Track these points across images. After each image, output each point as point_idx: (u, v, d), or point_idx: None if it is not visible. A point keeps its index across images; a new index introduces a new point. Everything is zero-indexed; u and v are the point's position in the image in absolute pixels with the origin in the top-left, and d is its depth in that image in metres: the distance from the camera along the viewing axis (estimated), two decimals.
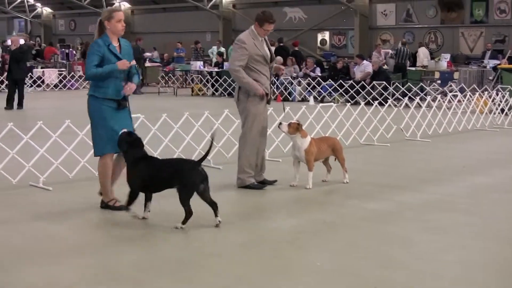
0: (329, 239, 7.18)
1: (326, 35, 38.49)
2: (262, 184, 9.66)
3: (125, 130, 7.89)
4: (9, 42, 41.63)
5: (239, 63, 9.30)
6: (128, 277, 5.93)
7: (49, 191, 9.29)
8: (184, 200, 7.31)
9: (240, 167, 9.56)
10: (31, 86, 29.95)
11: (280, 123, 9.70)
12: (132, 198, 7.63)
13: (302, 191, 9.46)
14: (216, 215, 7.50)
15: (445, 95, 19.79)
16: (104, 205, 8.25)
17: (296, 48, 29.61)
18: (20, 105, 21.61)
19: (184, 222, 7.35)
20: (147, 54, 34.95)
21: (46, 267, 6.17)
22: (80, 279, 5.86)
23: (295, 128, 9.57)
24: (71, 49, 36.79)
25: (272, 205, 8.84)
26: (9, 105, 21.52)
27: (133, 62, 8.30)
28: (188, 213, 7.33)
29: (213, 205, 7.51)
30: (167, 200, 7.92)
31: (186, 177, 7.37)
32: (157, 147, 10.99)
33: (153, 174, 7.55)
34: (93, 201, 8.40)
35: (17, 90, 21.83)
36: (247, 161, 9.49)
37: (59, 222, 7.74)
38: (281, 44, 29.68)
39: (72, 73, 32.55)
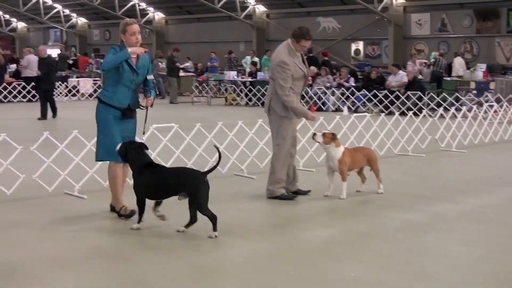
0: (363, 250, 7.13)
1: (360, 45, 38.36)
2: (295, 194, 9.63)
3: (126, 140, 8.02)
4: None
5: (287, 85, 9.21)
6: (157, 285, 5.94)
7: (83, 199, 9.35)
8: (204, 209, 7.40)
9: (271, 179, 9.52)
10: (66, 95, 30.23)
11: (315, 134, 9.67)
12: (141, 207, 7.71)
13: (336, 201, 9.42)
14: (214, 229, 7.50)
15: (481, 105, 19.60)
16: (114, 210, 8.41)
17: (326, 58, 29.61)
18: (54, 114, 21.72)
19: (215, 229, 7.40)
20: (186, 64, 35.03)
21: (76, 274, 6.21)
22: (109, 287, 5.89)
23: (330, 138, 9.54)
24: None
25: (306, 215, 8.80)
26: (42, 115, 21.51)
27: (150, 77, 8.36)
28: (213, 217, 7.42)
29: (213, 219, 7.50)
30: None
31: (197, 184, 7.49)
32: (191, 156, 11.03)
33: (159, 182, 7.61)
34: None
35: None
36: (279, 172, 9.45)
37: (91, 229, 7.78)
38: (310, 55, 29.62)
39: None
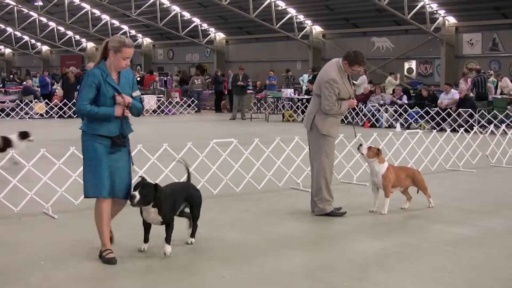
0: (414, 263, 7.06)
1: (413, 64, 38.11)
2: (338, 209, 9.44)
3: (138, 180, 6.99)
4: None
5: (332, 100, 9.07)
6: None
7: None
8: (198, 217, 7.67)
9: (319, 197, 9.29)
10: None
11: (361, 145, 9.58)
12: (171, 231, 7.15)
13: (384, 216, 9.33)
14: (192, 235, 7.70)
15: None
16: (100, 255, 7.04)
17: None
18: None
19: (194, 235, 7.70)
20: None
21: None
22: None
23: (374, 153, 9.43)
24: (169, 77, 37.49)
25: (357, 229, 8.71)
26: None
27: (136, 93, 7.04)
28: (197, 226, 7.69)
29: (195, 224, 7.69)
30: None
31: (199, 197, 7.69)
32: (249, 170, 11.07)
33: (178, 199, 7.32)
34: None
35: None
36: (326, 188, 9.27)
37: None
38: (315, 73, 30.11)
39: (170, 99, 33.23)
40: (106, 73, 6.78)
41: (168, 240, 7.08)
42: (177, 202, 7.26)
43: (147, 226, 7.23)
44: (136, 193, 6.74)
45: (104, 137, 6.78)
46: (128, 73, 6.99)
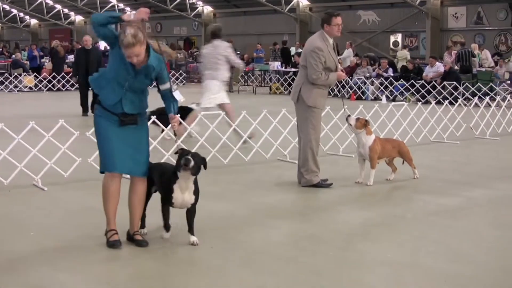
0: (399, 232, 7.10)
1: (399, 37, 37.99)
2: (325, 180, 9.42)
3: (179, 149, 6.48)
4: (100, 44, 42.50)
5: (319, 69, 8.98)
6: (206, 263, 5.98)
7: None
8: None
9: (306, 168, 9.25)
10: None
11: (349, 115, 9.55)
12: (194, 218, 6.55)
13: (371, 187, 9.35)
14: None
15: None
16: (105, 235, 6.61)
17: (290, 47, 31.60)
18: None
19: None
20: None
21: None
22: None
23: (362, 124, 9.41)
24: None
25: (343, 199, 8.74)
26: (84, 111, 19.10)
27: (164, 87, 6.50)
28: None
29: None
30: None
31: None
32: (236, 142, 11.07)
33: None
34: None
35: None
36: (313, 160, 9.22)
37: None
38: (285, 46, 31.92)
39: None
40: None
41: (192, 229, 6.47)
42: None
43: (167, 213, 6.51)
44: (191, 158, 6.14)
45: (110, 112, 6.31)
46: (152, 66, 6.28)
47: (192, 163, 6.12)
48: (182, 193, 6.30)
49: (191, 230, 6.47)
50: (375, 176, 9.42)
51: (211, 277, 5.64)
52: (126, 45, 6.07)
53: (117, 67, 6.27)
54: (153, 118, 10.19)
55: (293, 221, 7.56)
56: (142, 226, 6.72)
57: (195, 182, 6.36)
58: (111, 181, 6.43)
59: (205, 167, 6.35)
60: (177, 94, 6.13)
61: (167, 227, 6.58)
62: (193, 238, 6.46)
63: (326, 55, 9.04)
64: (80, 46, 24.73)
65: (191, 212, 6.45)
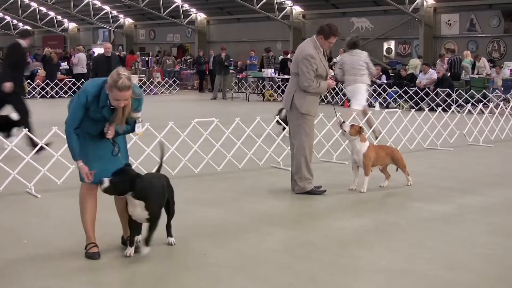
0: (393, 239, 7.08)
1: (392, 44, 38.04)
2: (318, 188, 9.40)
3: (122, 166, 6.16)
4: (94, 50, 42.33)
5: (310, 77, 8.98)
6: (202, 272, 5.96)
7: None
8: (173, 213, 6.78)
9: (299, 175, 9.22)
10: None
11: (343, 122, 9.56)
12: (153, 230, 6.29)
13: (364, 194, 9.34)
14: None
15: (508, 101, 19.39)
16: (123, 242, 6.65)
17: (288, 56, 31.21)
18: None
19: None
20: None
21: None
22: None
23: (356, 131, 9.41)
24: (150, 57, 37.34)
25: (337, 206, 8.73)
26: None
27: (136, 114, 6.25)
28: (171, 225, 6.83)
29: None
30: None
31: (172, 191, 6.77)
32: (230, 149, 11.05)
33: (164, 192, 6.50)
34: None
35: None
36: (306, 168, 9.20)
37: None
38: (285, 57, 31.76)
39: (152, 79, 33.08)
40: (104, 103, 6.03)
41: (147, 241, 6.22)
42: (164, 195, 6.44)
43: (134, 227, 6.31)
44: (106, 179, 5.93)
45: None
46: (134, 104, 6.15)
47: (105, 185, 5.91)
48: (134, 208, 6.13)
49: (146, 241, 6.22)
50: (368, 183, 9.41)
51: (205, 284, 5.62)
52: (122, 87, 5.86)
53: (94, 120, 6.14)
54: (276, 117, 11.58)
55: (287, 228, 7.54)
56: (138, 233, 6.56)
57: (143, 197, 6.07)
58: (85, 193, 6.35)
59: (134, 181, 6.01)
60: (137, 127, 5.92)
61: (131, 241, 6.36)
62: (144, 250, 6.23)
63: (318, 62, 9.03)
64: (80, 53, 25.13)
65: (149, 225, 6.22)
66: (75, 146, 6.12)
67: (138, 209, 6.11)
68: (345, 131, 9.44)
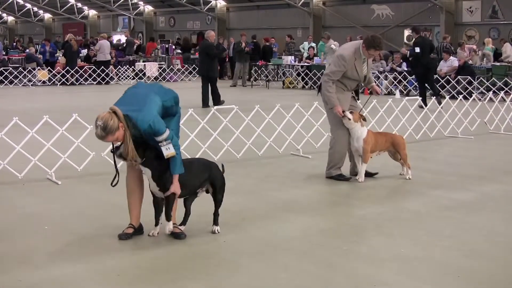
0: (413, 227, 7.07)
1: None
2: (340, 176, 9.44)
3: None
4: (114, 38, 42.50)
5: (333, 77, 9.17)
6: (218, 256, 5.99)
7: None
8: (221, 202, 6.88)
9: (330, 159, 9.43)
10: (133, 78, 30.49)
11: (344, 111, 9.45)
12: (171, 205, 6.43)
13: (386, 181, 9.34)
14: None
15: None
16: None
17: (267, 43, 31.89)
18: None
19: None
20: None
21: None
22: None
23: (358, 117, 9.31)
24: (170, 44, 37.34)
25: (358, 193, 8.73)
26: (204, 104, 19.65)
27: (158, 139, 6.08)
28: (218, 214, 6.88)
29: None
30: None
31: (221, 178, 6.92)
32: (250, 136, 11.06)
33: (196, 173, 6.60)
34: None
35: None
36: (338, 153, 9.37)
37: None
38: (254, 41, 32.22)
39: (171, 66, 33.12)
40: None
41: (167, 215, 6.34)
42: (195, 176, 6.49)
43: (156, 206, 6.45)
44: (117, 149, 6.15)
45: None
46: (136, 133, 6.08)
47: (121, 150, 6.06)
48: (148, 178, 6.29)
49: (166, 215, 6.35)
50: (389, 170, 9.39)
51: (224, 271, 5.65)
52: (99, 138, 5.97)
53: None
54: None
55: (306, 215, 7.55)
56: (183, 222, 6.71)
57: (149, 164, 6.21)
58: (129, 177, 6.57)
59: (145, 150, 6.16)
60: (164, 151, 5.92)
61: (156, 221, 6.54)
62: (167, 226, 6.35)
63: (349, 66, 9.18)
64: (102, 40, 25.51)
65: (165, 201, 6.33)
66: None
67: (150, 180, 6.26)
68: (349, 119, 9.33)
